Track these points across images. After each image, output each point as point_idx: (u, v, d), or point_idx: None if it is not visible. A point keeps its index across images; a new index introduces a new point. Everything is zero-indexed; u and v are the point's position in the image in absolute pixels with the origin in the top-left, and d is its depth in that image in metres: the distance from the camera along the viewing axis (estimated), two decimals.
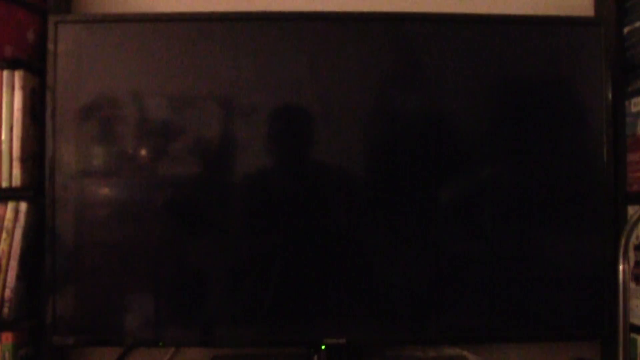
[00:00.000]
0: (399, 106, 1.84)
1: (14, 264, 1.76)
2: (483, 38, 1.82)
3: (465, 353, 1.90)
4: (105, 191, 1.80)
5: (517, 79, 1.85)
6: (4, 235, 1.76)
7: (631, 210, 1.83)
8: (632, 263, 1.81)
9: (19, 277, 1.77)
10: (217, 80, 1.81)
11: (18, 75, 1.78)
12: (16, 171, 1.77)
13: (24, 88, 1.79)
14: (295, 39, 1.81)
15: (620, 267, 1.47)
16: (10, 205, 1.78)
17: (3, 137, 1.78)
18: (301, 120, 1.83)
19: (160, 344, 1.83)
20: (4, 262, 1.76)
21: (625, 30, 1.87)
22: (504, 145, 1.84)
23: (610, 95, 1.82)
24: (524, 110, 1.83)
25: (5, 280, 1.76)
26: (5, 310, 1.75)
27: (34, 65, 1.83)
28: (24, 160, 1.78)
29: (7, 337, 1.76)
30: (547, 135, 1.82)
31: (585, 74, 1.83)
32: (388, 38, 1.82)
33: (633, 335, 1.77)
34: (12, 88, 1.78)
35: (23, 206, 1.78)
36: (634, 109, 1.83)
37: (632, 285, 1.80)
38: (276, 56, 1.80)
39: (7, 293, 1.75)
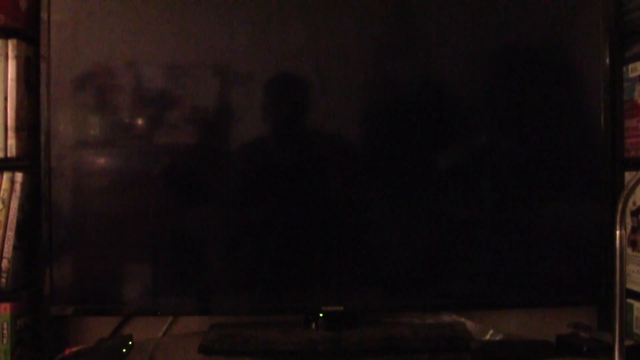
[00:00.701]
0: (397, 73, 1.83)
1: (10, 234, 1.76)
2: (481, 3, 1.81)
3: (463, 320, 1.91)
4: (101, 160, 1.80)
5: (515, 44, 1.84)
6: (0, 205, 1.76)
7: (628, 176, 1.84)
8: (628, 229, 1.82)
9: (16, 248, 1.77)
10: (214, 48, 1.79)
11: (12, 44, 1.76)
12: (11, 141, 1.76)
13: (17, 57, 1.77)
14: (292, 6, 1.79)
15: (617, 232, 1.47)
16: (6, 176, 1.77)
17: None
18: (298, 88, 1.82)
19: (158, 312, 1.84)
20: (0, 232, 1.75)
21: None
22: (502, 111, 1.83)
23: (607, 61, 1.81)
24: (522, 76, 1.82)
25: (2, 250, 1.75)
26: (3, 280, 1.75)
27: (28, 34, 1.81)
28: (19, 130, 1.77)
29: (5, 308, 1.75)
30: (545, 101, 1.82)
31: (583, 39, 1.82)
32: (386, 4, 1.81)
33: (629, 300, 1.79)
34: (6, 57, 1.76)
35: (19, 176, 1.77)
36: (631, 75, 1.82)
37: (629, 251, 1.81)
38: (273, 23, 1.78)
39: (5, 263, 1.75)
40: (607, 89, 1.81)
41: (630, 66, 1.82)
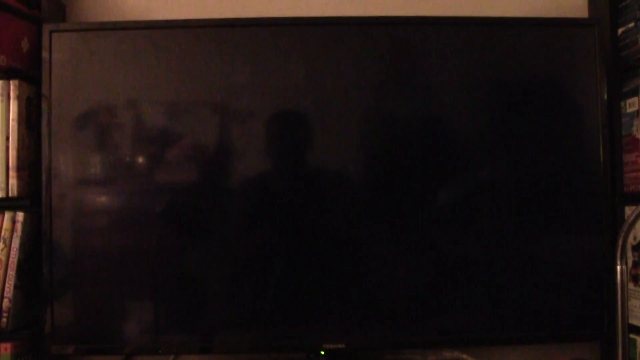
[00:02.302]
0: (396, 110, 1.84)
1: (11, 274, 1.76)
2: (478, 41, 1.83)
3: (464, 356, 1.89)
4: (102, 199, 1.80)
5: (513, 81, 1.85)
6: (1, 245, 1.76)
7: (628, 210, 1.84)
8: (630, 263, 1.81)
9: (17, 287, 1.76)
10: (213, 86, 1.80)
11: (13, 85, 1.78)
12: (13, 181, 1.77)
13: (19, 97, 1.78)
14: (291, 44, 1.81)
15: (618, 267, 1.47)
16: (8, 215, 1.77)
17: None
18: (298, 125, 1.83)
19: (160, 351, 1.83)
20: (1, 272, 1.75)
21: (620, 30, 1.87)
22: (501, 147, 1.84)
23: (605, 96, 1.82)
24: (520, 112, 1.83)
25: (3, 290, 1.75)
26: (4, 320, 1.75)
27: (29, 74, 1.83)
28: (20, 169, 1.78)
29: (6, 348, 1.75)
30: (544, 136, 1.82)
31: (580, 75, 1.84)
32: (384, 42, 1.83)
33: (632, 336, 1.77)
34: (8, 98, 1.78)
35: (20, 216, 1.78)
36: (629, 109, 1.83)
37: (631, 285, 1.81)
38: (272, 62, 1.80)
39: (5, 303, 1.75)
40: (606, 124, 1.82)
41: (628, 101, 1.83)
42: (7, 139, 1.78)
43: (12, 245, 1.77)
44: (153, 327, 1.81)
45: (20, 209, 1.79)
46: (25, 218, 1.78)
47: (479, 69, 1.83)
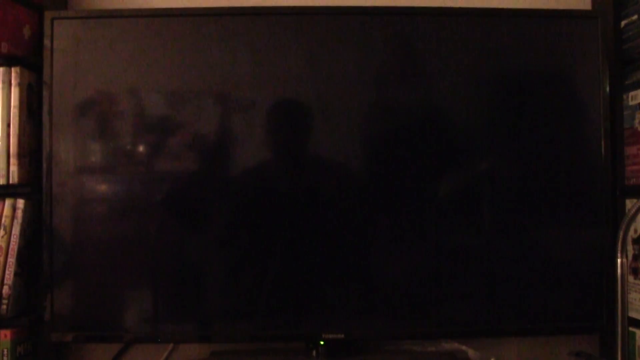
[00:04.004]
0: (397, 100, 1.84)
1: (11, 261, 1.76)
2: (481, 32, 1.82)
3: (464, 347, 1.90)
4: (102, 187, 1.80)
5: (515, 73, 1.85)
6: (1, 232, 1.76)
7: (629, 203, 1.83)
8: (630, 256, 1.81)
9: (17, 274, 1.77)
10: (215, 75, 1.80)
11: (15, 72, 1.78)
12: (13, 168, 1.77)
13: (20, 84, 1.78)
14: (292, 34, 1.81)
15: (618, 260, 1.47)
16: (8, 202, 1.78)
17: (0, 133, 1.77)
18: (299, 114, 1.83)
19: (159, 340, 1.84)
20: (1, 259, 1.76)
21: (623, 23, 1.87)
22: (502, 139, 1.83)
23: (607, 89, 1.82)
24: (522, 104, 1.83)
25: (3, 277, 1.76)
26: (4, 307, 1.75)
27: (31, 61, 1.83)
28: (21, 157, 1.78)
29: (6, 334, 1.75)
30: (545, 128, 1.82)
31: (582, 68, 1.83)
32: (386, 32, 1.82)
33: (631, 328, 1.77)
34: (9, 84, 1.78)
35: (20, 203, 1.78)
36: (631, 102, 1.83)
37: (630, 278, 1.80)
38: (274, 51, 1.80)
39: (5, 290, 1.75)
40: (608, 116, 1.82)
41: (631, 94, 1.83)
42: (8, 126, 1.78)
43: (13, 232, 1.77)
44: (152, 316, 1.81)
45: (20, 196, 1.79)
46: (25, 205, 1.78)
47: (481, 60, 1.82)
